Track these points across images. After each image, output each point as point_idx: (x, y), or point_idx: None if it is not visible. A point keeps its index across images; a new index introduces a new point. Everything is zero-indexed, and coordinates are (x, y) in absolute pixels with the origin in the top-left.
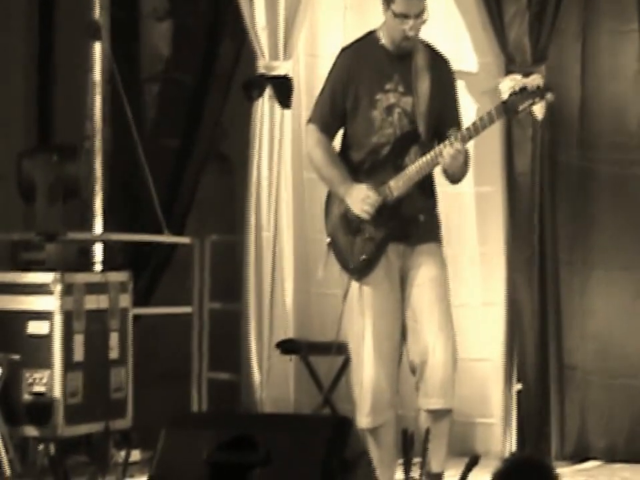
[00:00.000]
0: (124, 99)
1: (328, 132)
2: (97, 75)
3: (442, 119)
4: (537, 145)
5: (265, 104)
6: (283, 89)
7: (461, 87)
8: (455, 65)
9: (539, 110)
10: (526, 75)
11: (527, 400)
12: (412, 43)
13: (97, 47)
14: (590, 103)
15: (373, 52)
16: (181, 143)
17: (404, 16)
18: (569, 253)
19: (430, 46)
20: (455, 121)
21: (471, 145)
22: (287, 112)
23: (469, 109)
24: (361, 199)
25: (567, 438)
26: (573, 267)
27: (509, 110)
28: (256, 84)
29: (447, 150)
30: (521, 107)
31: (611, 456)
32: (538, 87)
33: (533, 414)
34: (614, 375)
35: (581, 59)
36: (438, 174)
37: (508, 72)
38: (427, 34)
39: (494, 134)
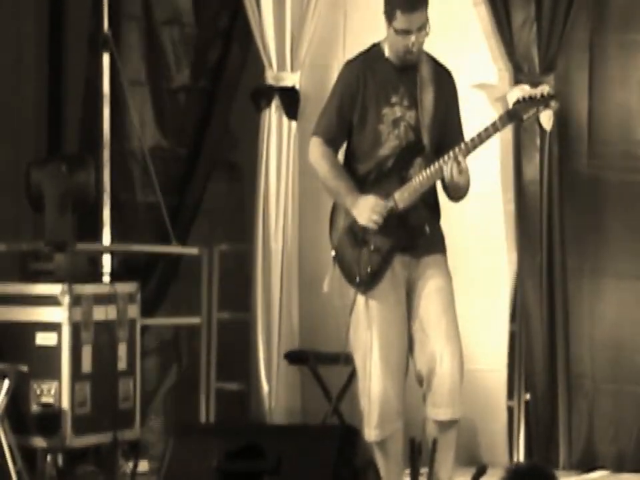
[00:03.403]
0: (131, 108)
1: (333, 145)
2: (106, 86)
3: (445, 131)
4: (545, 154)
5: (272, 114)
6: (290, 101)
7: (468, 98)
8: (462, 77)
9: (547, 120)
10: (534, 84)
11: (535, 409)
12: (416, 56)
13: (106, 59)
14: (598, 112)
15: (378, 65)
16: (188, 152)
17: (405, 32)
18: (578, 261)
19: (433, 58)
20: (457, 133)
21: (475, 156)
22: (294, 122)
23: (475, 120)
24: (369, 208)
25: (574, 447)
26: (582, 275)
27: (513, 118)
28: (264, 94)
29: (449, 165)
30: (525, 116)
31: (619, 465)
32: (542, 95)
33: (541, 423)
34: (623, 384)
35: (589, 68)
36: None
37: (516, 82)
38: (434, 45)
39: (501, 144)
